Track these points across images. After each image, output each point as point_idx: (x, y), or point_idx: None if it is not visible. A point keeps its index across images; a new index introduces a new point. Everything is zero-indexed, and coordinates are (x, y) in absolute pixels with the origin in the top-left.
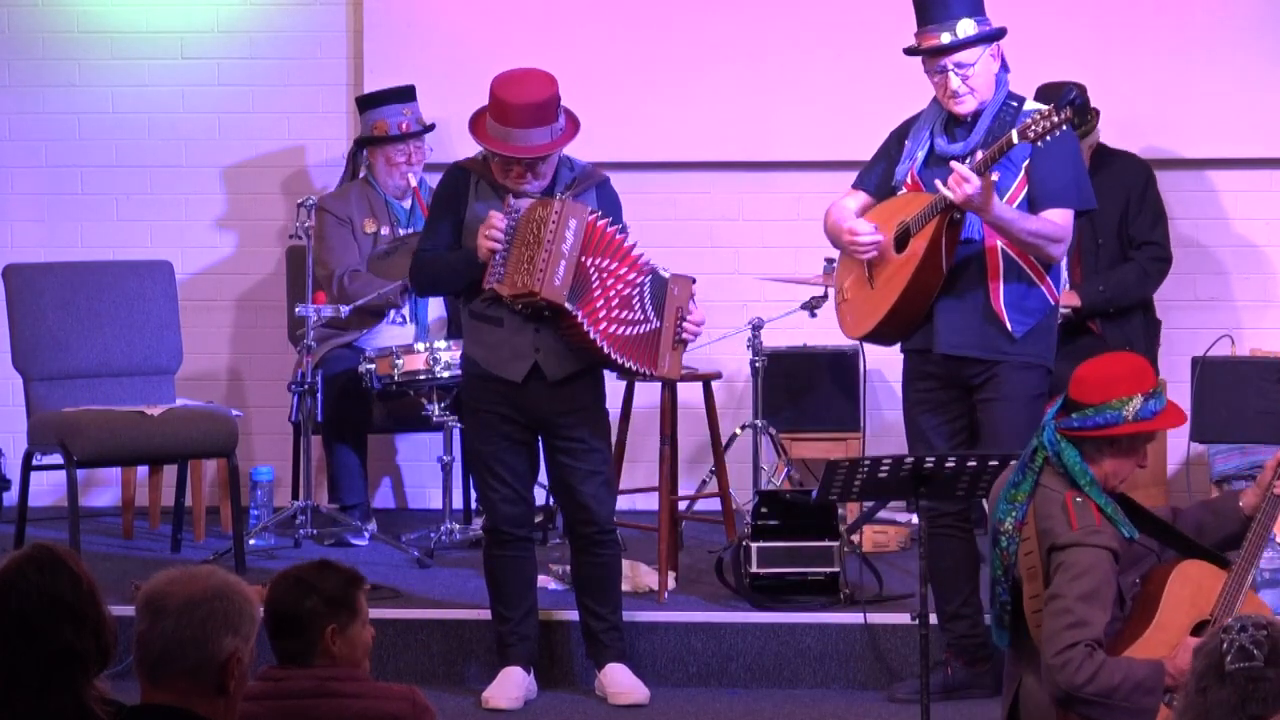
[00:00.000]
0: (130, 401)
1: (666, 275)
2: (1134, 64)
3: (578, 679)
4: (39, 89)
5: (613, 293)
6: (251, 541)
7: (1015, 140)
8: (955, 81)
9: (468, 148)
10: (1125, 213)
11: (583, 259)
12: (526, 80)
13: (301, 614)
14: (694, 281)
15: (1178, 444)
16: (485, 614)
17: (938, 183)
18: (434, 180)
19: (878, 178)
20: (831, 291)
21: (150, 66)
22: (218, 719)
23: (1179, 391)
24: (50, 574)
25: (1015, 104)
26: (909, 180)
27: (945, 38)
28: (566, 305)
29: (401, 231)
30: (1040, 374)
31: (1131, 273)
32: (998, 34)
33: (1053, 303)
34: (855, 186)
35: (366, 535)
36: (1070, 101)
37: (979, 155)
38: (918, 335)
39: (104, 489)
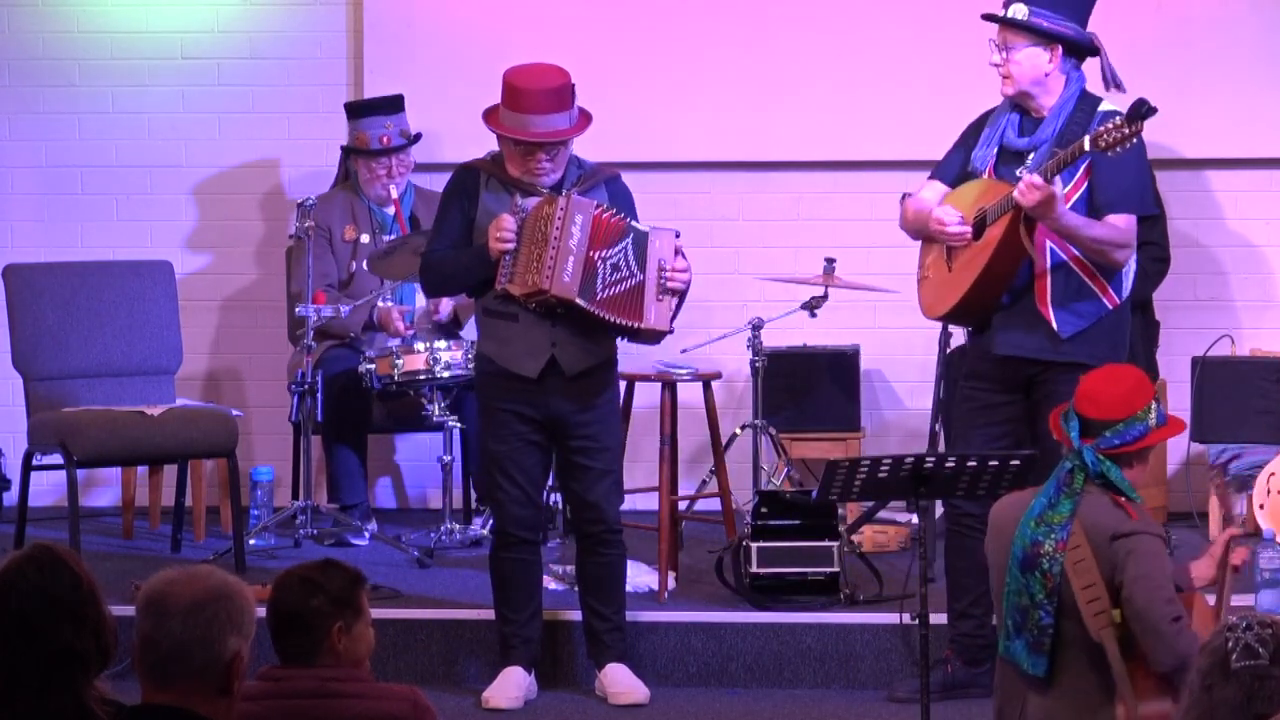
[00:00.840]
0: (130, 401)
1: (646, 230)
2: (1134, 64)
3: (578, 679)
4: (39, 89)
5: (609, 269)
6: (251, 541)
7: (1086, 148)
8: (995, 57)
9: (465, 150)
10: None
11: (591, 253)
12: (540, 70)
13: (308, 613)
14: (677, 235)
15: (1178, 444)
16: (485, 614)
17: (1021, 181)
18: (421, 181)
19: (956, 168)
20: (831, 291)
21: (150, 66)
22: (219, 718)
23: (1179, 391)
24: (50, 574)
25: (1088, 107)
26: (988, 172)
27: (1003, 12)
28: (578, 301)
29: (386, 237)
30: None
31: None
32: (1049, 35)
33: (1110, 306)
34: (932, 177)
35: (366, 535)
36: (1144, 114)
37: (1047, 161)
38: (983, 337)
39: (104, 489)
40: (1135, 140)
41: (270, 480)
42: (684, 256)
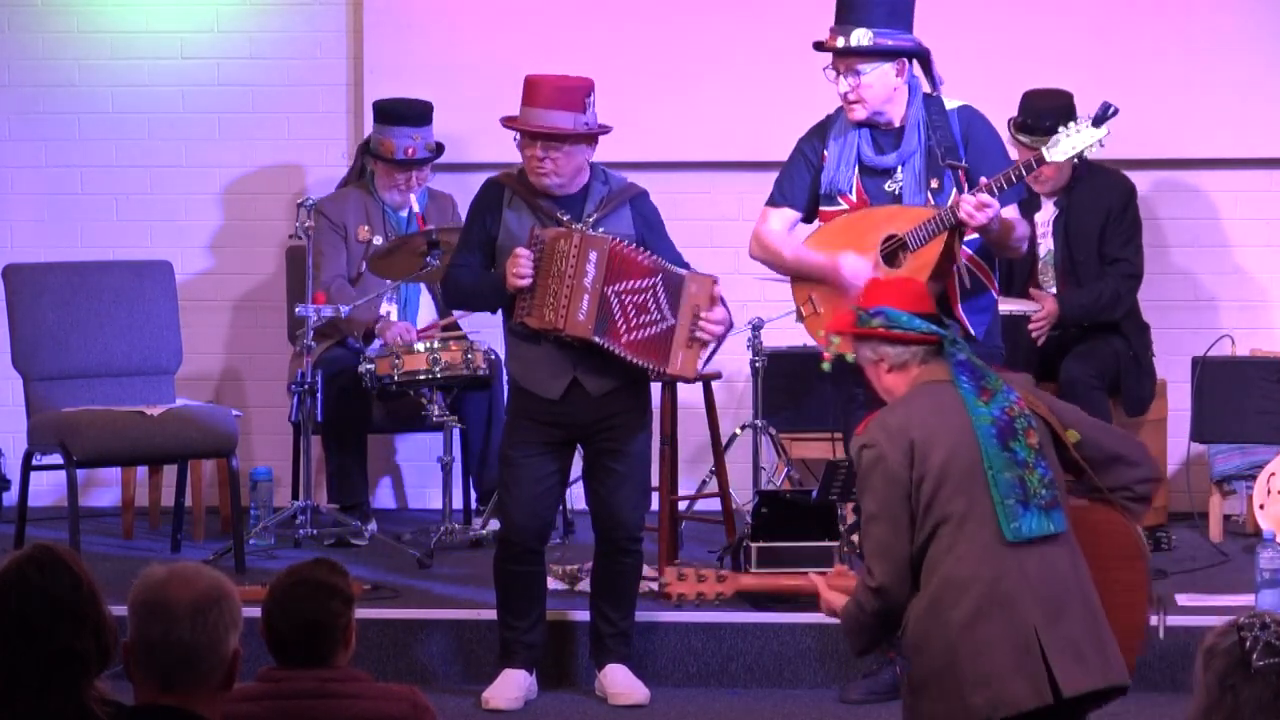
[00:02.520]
0: (130, 401)
1: (683, 274)
2: (1133, 64)
3: (578, 679)
4: (39, 89)
5: (631, 307)
6: (251, 541)
7: (1047, 158)
8: (843, 85)
9: (465, 151)
10: (1104, 230)
11: (605, 289)
12: (562, 75)
13: (332, 615)
14: (715, 281)
15: (1178, 444)
16: (486, 614)
17: (963, 202)
18: (430, 182)
19: (806, 191)
20: None
21: (150, 66)
22: (214, 715)
23: (1179, 391)
24: (50, 574)
25: (938, 109)
26: (854, 193)
27: (839, 42)
28: (595, 339)
29: None
30: (1000, 360)
31: (1106, 292)
32: (896, 52)
33: (995, 294)
34: (778, 204)
35: (366, 535)
36: (1109, 116)
37: (983, 179)
38: None
39: (104, 489)
40: (1098, 144)
41: (270, 480)
42: (724, 304)
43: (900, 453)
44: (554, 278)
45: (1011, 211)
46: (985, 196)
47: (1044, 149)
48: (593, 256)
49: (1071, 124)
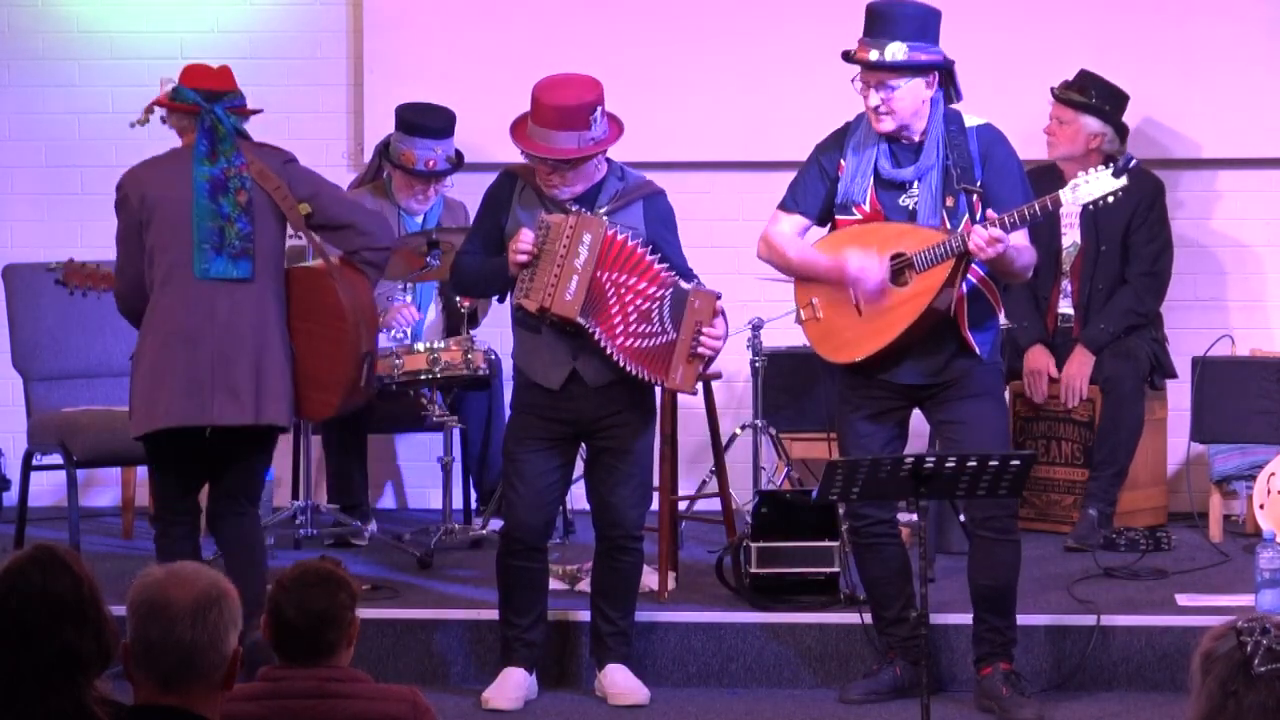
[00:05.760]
0: None
1: (687, 288)
2: (1133, 64)
3: (579, 679)
4: (39, 89)
5: (631, 307)
6: None
7: (1063, 201)
8: (874, 99)
9: (467, 152)
10: (1130, 222)
11: (598, 274)
12: (565, 84)
13: (340, 607)
14: (718, 297)
15: (1178, 444)
16: (485, 614)
17: (974, 234)
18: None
19: (820, 200)
20: None
21: (150, 66)
22: (213, 715)
23: (1179, 391)
24: (51, 574)
25: (957, 125)
26: (868, 204)
27: (873, 55)
28: (579, 320)
29: None
30: (1000, 373)
31: (1126, 298)
32: (929, 66)
33: (1001, 313)
34: (791, 209)
35: (366, 535)
36: (1129, 169)
37: (990, 213)
38: (874, 367)
39: (104, 489)
40: (1119, 194)
41: (270, 480)
42: (724, 318)
43: (136, 200)
44: (548, 258)
45: (1021, 238)
46: (996, 231)
47: (1061, 192)
48: (586, 239)
49: (1093, 170)
